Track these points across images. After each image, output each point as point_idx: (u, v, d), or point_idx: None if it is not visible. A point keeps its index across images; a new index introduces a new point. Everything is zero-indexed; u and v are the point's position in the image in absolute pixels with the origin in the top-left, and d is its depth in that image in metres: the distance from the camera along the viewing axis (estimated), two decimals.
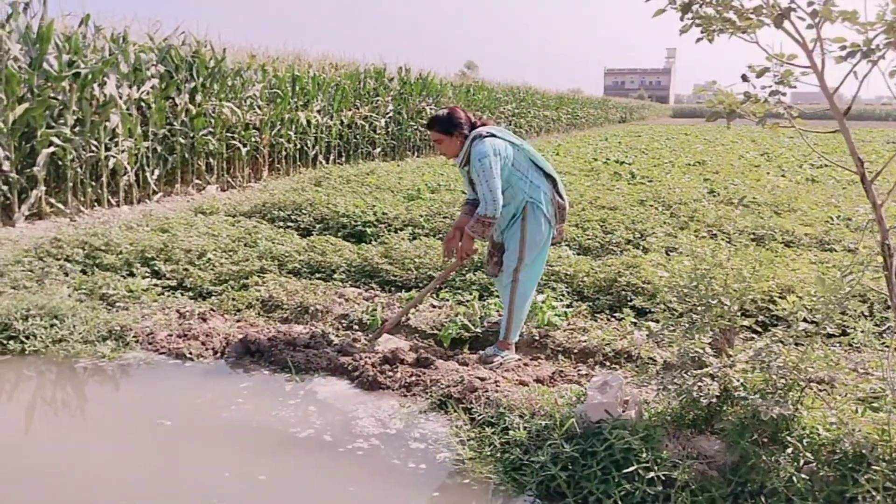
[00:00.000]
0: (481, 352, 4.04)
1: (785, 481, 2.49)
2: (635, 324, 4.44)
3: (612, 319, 4.58)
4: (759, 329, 3.62)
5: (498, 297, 4.55)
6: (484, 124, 3.97)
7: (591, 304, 4.82)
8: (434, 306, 4.77)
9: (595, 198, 8.05)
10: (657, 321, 3.18)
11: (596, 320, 4.56)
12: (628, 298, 4.72)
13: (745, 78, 2.48)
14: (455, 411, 3.34)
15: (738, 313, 2.93)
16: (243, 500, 2.70)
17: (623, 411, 2.92)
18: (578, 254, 5.93)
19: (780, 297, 3.34)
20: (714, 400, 2.69)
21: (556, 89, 34.28)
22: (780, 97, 2.51)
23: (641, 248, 6.02)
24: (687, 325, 2.93)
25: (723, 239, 6.20)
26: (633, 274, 4.97)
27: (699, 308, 2.91)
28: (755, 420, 2.60)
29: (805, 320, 2.69)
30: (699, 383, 2.67)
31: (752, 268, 2.95)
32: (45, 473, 2.83)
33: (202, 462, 2.99)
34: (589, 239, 6.25)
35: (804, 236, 6.39)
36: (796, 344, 2.80)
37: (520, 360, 4.04)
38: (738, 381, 2.70)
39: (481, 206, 3.79)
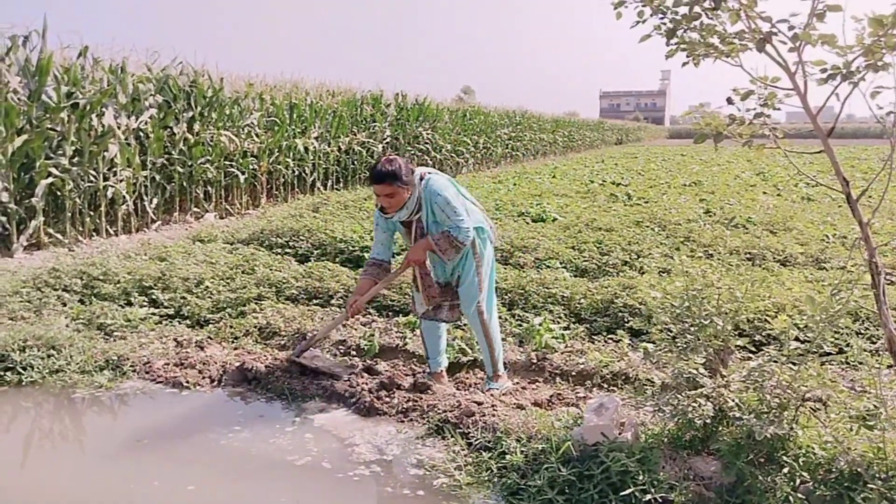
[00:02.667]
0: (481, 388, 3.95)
1: (781, 501, 2.48)
2: (632, 345, 4.45)
3: (610, 341, 4.59)
4: (754, 349, 3.63)
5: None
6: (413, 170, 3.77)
7: (588, 325, 4.83)
8: None
9: (591, 220, 8.10)
10: (653, 342, 3.20)
11: (593, 342, 4.57)
12: (625, 320, 4.74)
13: (730, 101, 2.53)
14: (452, 436, 3.33)
15: (732, 333, 2.94)
16: None
17: (619, 433, 2.92)
18: (575, 275, 5.95)
19: (773, 317, 3.35)
20: (709, 420, 2.69)
21: (552, 112, 34.59)
22: (765, 119, 2.56)
23: (638, 269, 6.04)
24: (681, 346, 2.94)
25: (718, 259, 6.23)
26: (629, 295, 4.98)
27: (692, 328, 2.92)
28: (751, 440, 2.61)
29: (797, 339, 2.71)
30: (694, 404, 2.67)
31: (745, 287, 2.97)
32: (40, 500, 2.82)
33: (200, 491, 2.97)
34: (585, 261, 6.27)
35: (799, 255, 6.42)
36: (790, 363, 2.81)
37: (516, 384, 4.04)
38: (732, 401, 2.70)
39: (455, 231, 3.65)
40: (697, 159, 22.48)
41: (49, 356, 4.15)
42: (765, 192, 11.57)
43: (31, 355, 4.11)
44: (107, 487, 2.98)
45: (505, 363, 4.12)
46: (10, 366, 4.05)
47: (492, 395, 3.77)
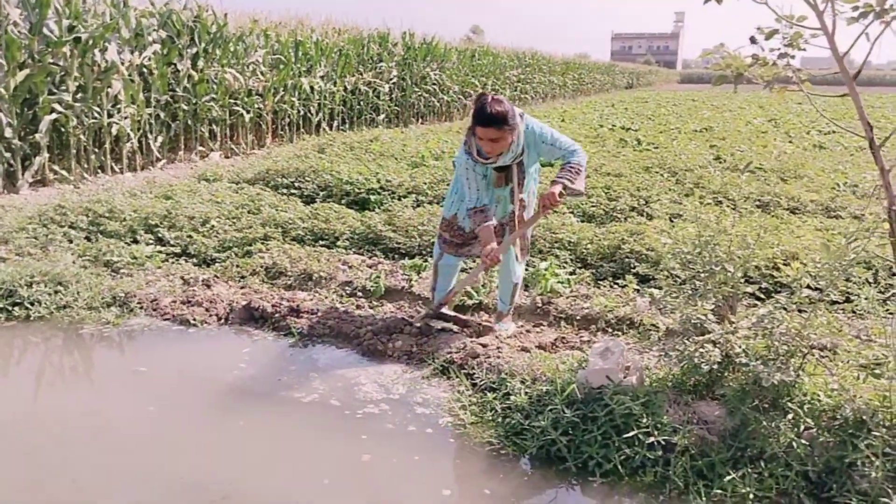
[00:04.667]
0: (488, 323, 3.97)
1: (785, 446, 2.50)
2: (638, 291, 4.44)
3: (615, 287, 4.57)
4: (763, 296, 3.61)
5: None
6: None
7: (594, 271, 4.81)
8: None
9: (600, 165, 7.99)
10: (660, 288, 3.18)
11: (599, 287, 4.55)
12: (632, 266, 4.71)
13: (753, 40, 2.43)
14: (457, 377, 3.36)
15: (742, 280, 2.92)
16: (253, 463, 2.73)
17: (624, 377, 2.93)
18: (582, 221, 5.90)
19: (784, 264, 3.32)
20: (715, 366, 2.69)
21: (563, 54, 33.80)
22: (788, 60, 2.47)
23: (646, 215, 5.99)
24: (690, 292, 2.92)
25: (728, 206, 6.16)
26: (636, 241, 4.94)
27: (702, 275, 2.90)
28: (756, 386, 2.61)
29: (809, 287, 2.68)
30: (701, 349, 2.67)
31: (757, 235, 2.93)
32: (54, 437, 2.87)
33: (207, 425, 3.02)
34: (593, 206, 6.21)
35: (810, 203, 6.34)
36: (799, 311, 2.79)
37: (520, 327, 4.05)
38: (740, 347, 2.69)
39: (575, 157, 3.48)
40: (709, 105, 22.08)
41: (56, 292, 4.17)
42: (775, 140, 11.39)
43: (38, 291, 4.13)
44: (113, 421, 3.03)
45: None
46: (18, 301, 4.07)
47: (497, 337, 3.78)
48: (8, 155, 7.25)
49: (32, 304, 4.06)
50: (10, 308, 4.03)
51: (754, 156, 8.95)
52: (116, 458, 2.74)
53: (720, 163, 8.55)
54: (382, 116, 15.47)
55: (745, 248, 2.87)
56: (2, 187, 7.12)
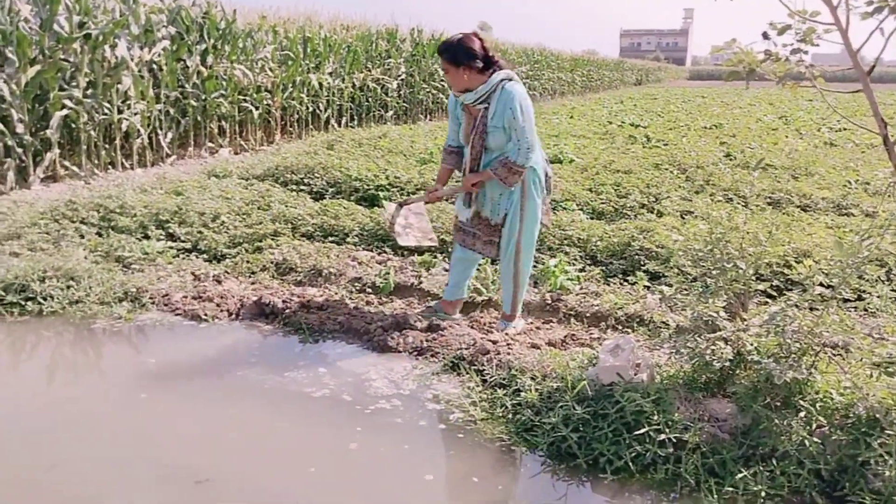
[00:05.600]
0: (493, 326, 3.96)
1: (797, 445, 2.50)
2: (648, 288, 4.43)
3: (625, 284, 4.57)
4: (774, 294, 3.60)
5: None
6: (501, 65, 3.65)
7: (603, 268, 4.80)
8: (446, 270, 4.76)
9: (609, 161, 7.97)
10: (670, 285, 3.17)
11: (609, 285, 4.55)
12: (641, 263, 4.70)
13: (765, 35, 2.42)
14: (467, 373, 3.36)
15: (754, 277, 2.91)
16: (261, 456, 2.75)
17: (635, 374, 2.93)
18: (591, 218, 5.89)
19: (795, 262, 3.31)
20: (727, 363, 2.68)
21: (571, 51, 33.70)
22: (801, 56, 2.45)
23: (656, 212, 5.97)
24: (701, 289, 2.91)
25: (739, 203, 6.14)
26: (646, 238, 4.93)
27: (713, 272, 2.89)
28: (768, 384, 2.60)
29: (821, 285, 2.67)
30: (712, 347, 2.66)
31: (768, 231, 2.92)
32: (65, 426, 2.89)
33: (217, 418, 3.03)
34: (603, 203, 6.20)
35: (821, 200, 6.30)
36: (811, 308, 2.78)
37: (530, 324, 4.04)
38: (751, 344, 2.69)
39: (514, 155, 3.55)
40: (718, 101, 21.97)
41: (68, 287, 4.19)
42: (786, 137, 11.32)
43: (50, 286, 4.16)
44: (123, 413, 3.05)
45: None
46: (31, 296, 4.10)
47: (507, 334, 3.78)
48: (20, 151, 7.29)
49: (45, 298, 4.09)
50: (22, 303, 4.06)
51: (765, 153, 8.91)
52: (124, 446, 2.76)
53: (730, 160, 8.52)
54: (391, 113, 15.48)
55: (757, 245, 2.86)
56: (14, 183, 7.17)
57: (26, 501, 2.45)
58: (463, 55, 3.57)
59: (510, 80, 3.61)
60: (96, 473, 2.61)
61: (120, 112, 8.48)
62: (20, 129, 7.19)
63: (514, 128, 3.55)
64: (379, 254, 5.15)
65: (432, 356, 3.57)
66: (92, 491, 2.51)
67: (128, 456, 2.72)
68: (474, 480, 2.65)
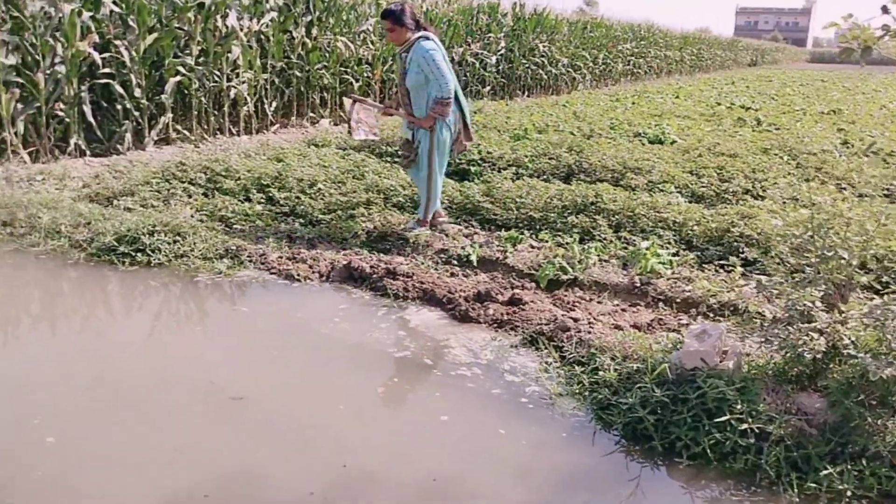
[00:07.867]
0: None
1: (891, 446, 2.36)
2: (745, 276, 4.24)
3: (721, 271, 4.39)
4: (880, 287, 3.37)
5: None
6: (425, 27, 4.73)
7: (699, 253, 4.64)
8: (533, 247, 4.74)
9: (714, 144, 7.64)
10: (769, 274, 3.03)
11: (703, 271, 4.39)
12: (740, 250, 4.50)
13: (885, 9, 2.24)
14: (545, 348, 3.35)
15: (857, 268, 2.74)
16: (344, 409, 2.86)
17: (720, 361, 2.84)
18: (690, 201, 5.68)
19: None
20: (820, 356, 2.55)
21: (682, 28, 32.30)
22: None
23: (760, 198, 5.69)
24: (799, 279, 2.77)
25: (851, 192, 5.75)
26: (747, 224, 4.72)
27: (814, 260, 2.74)
28: (863, 380, 2.46)
29: None
30: (805, 337, 2.54)
31: (878, 221, 2.73)
32: (171, 367, 3.11)
33: (299, 368, 3.19)
34: (703, 186, 5.96)
35: None
36: None
37: (616, 305, 3.98)
38: (848, 338, 2.54)
39: (436, 91, 4.61)
40: (840, 86, 20.55)
41: (175, 242, 4.48)
42: None
43: (158, 240, 4.45)
44: (220, 360, 3.24)
45: (597, 281, 4.22)
46: (141, 248, 4.40)
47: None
48: (137, 114, 7.78)
49: (153, 251, 4.38)
50: (133, 254, 4.37)
51: (886, 142, 8.28)
52: (217, 392, 2.94)
53: (847, 148, 7.97)
54: (488, 88, 15.39)
55: (864, 234, 2.68)
56: (130, 144, 7.66)
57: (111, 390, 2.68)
58: (404, 18, 4.65)
59: (426, 38, 4.66)
60: (206, 402, 2.80)
61: (229, 80, 8.86)
62: (138, 93, 7.66)
63: (430, 70, 4.59)
64: (466, 227, 5.19)
65: (512, 329, 3.59)
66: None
67: (219, 402, 2.91)
68: (547, 453, 2.66)
